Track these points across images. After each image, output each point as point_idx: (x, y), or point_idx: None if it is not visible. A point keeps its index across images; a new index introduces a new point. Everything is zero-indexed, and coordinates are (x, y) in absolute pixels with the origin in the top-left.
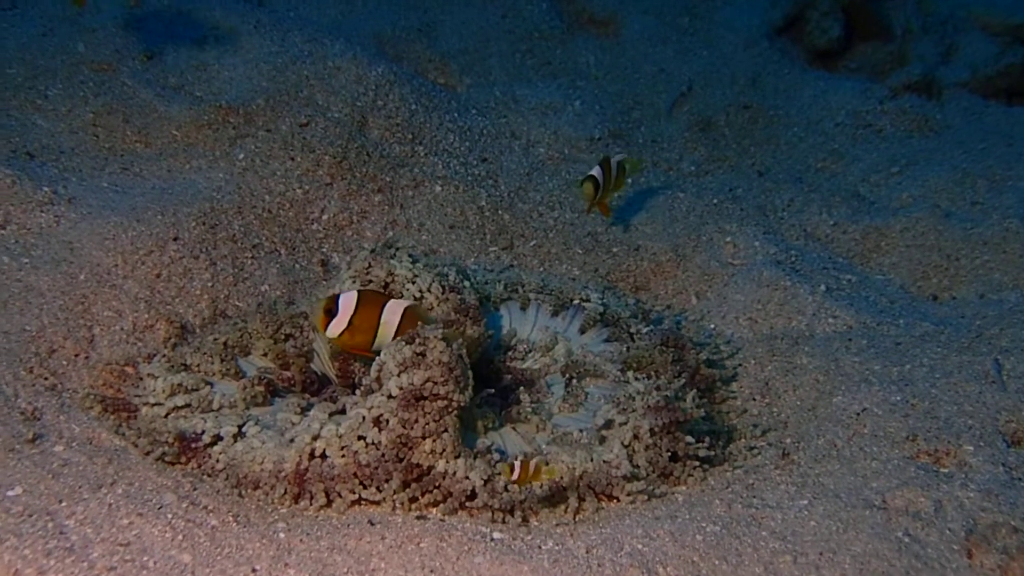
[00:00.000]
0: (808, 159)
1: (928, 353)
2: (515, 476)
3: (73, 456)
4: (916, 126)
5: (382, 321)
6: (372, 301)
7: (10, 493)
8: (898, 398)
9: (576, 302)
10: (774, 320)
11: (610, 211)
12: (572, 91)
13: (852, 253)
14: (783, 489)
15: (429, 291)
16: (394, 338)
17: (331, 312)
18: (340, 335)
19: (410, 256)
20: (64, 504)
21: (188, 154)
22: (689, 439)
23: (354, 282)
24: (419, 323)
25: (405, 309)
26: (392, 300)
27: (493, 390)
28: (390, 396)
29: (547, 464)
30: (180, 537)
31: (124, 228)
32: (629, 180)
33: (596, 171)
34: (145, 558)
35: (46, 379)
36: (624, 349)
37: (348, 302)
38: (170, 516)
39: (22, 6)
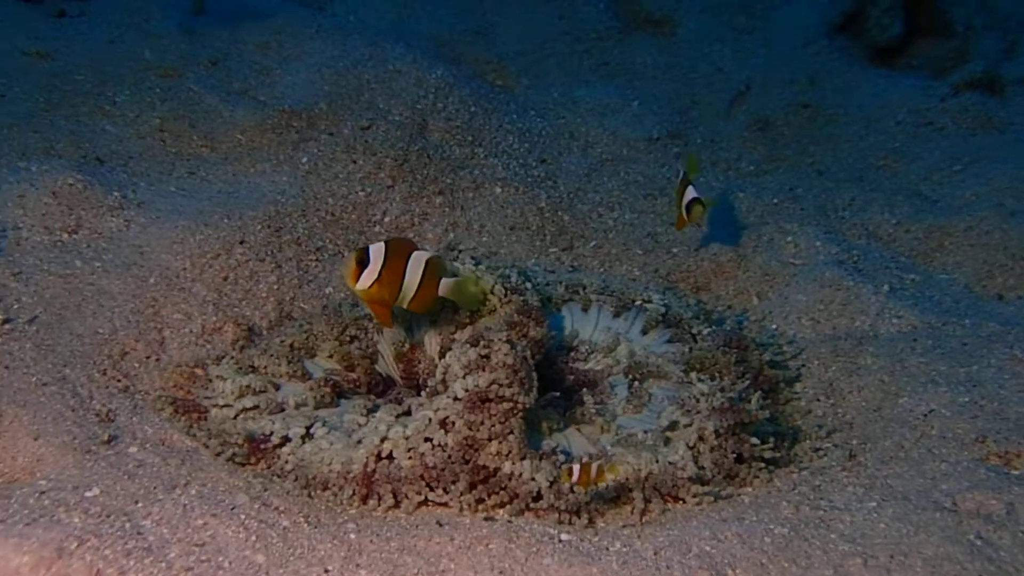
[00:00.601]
0: (868, 158)
1: (996, 353)
2: (575, 479)
3: (147, 457)
4: (979, 123)
5: (407, 273)
6: (399, 252)
7: (88, 494)
8: (966, 399)
9: (638, 303)
10: (837, 320)
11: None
12: (630, 91)
13: (915, 252)
14: (851, 491)
15: (492, 292)
16: (416, 291)
17: (363, 263)
18: (370, 287)
19: (472, 258)
20: (140, 505)
21: (252, 158)
22: (754, 440)
23: None
24: (439, 276)
25: (427, 260)
26: (417, 251)
27: (559, 393)
28: (456, 398)
29: (610, 464)
30: (253, 538)
31: (192, 232)
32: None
33: (692, 191)
34: (220, 558)
35: (119, 381)
36: (687, 350)
37: (377, 252)
38: (243, 517)
39: (90, 14)
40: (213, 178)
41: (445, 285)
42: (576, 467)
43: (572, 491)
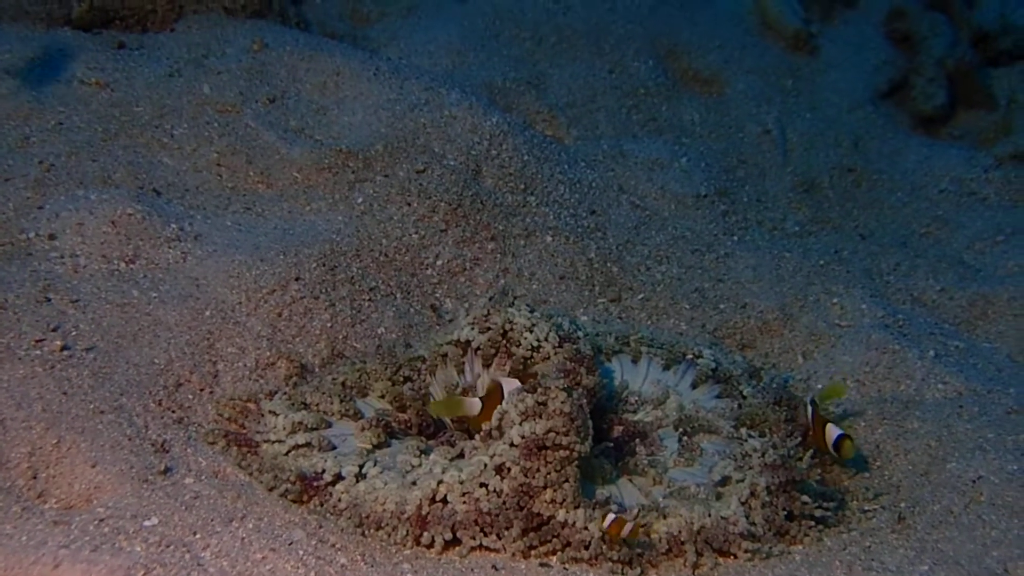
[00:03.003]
0: (912, 224)
1: None
2: (606, 526)
3: (203, 489)
4: (1021, 196)
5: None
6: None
7: (147, 523)
8: (1015, 467)
9: (689, 357)
10: (882, 384)
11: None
12: (678, 148)
13: (959, 320)
14: (902, 553)
15: (546, 340)
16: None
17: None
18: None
19: (527, 306)
20: (199, 536)
21: (308, 196)
22: (805, 498)
23: (472, 328)
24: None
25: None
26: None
27: (612, 443)
28: (512, 444)
29: (643, 526)
30: (312, 574)
31: (248, 267)
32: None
33: (835, 429)
34: None
35: (173, 412)
36: (736, 406)
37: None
38: (301, 552)
39: (149, 47)
40: (269, 214)
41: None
42: (611, 517)
43: (626, 542)
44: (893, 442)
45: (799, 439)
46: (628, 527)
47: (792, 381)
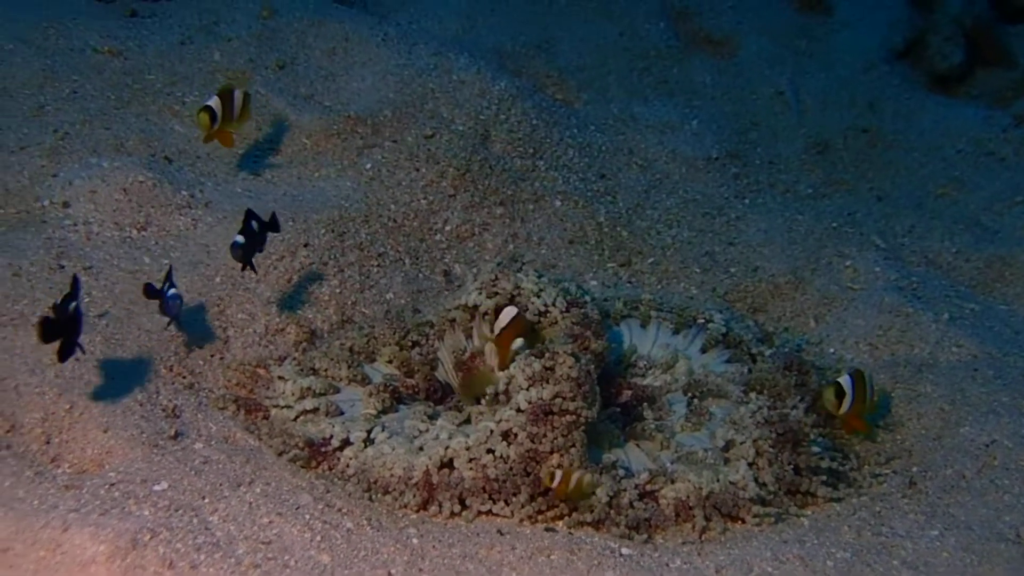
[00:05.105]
0: (928, 185)
1: None
2: (555, 485)
3: (213, 454)
4: None
5: None
6: None
7: (156, 488)
8: None
9: (699, 321)
10: (895, 347)
11: (867, 426)
12: (689, 110)
13: (974, 282)
14: (912, 518)
15: (554, 305)
16: None
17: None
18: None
19: (536, 271)
20: (207, 501)
21: (317, 162)
22: (814, 449)
23: (480, 293)
24: None
25: None
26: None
27: (619, 408)
28: (519, 410)
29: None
30: (319, 538)
31: None
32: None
33: (846, 380)
34: (287, 557)
35: (184, 378)
36: (746, 371)
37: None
38: (308, 517)
39: (161, 15)
40: (278, 180)
41: None
42: (558, 474)
43: (632, 506)
44: (906, 406)
45: (809, 403)
46: (575, 477)
47: (804, 346)
